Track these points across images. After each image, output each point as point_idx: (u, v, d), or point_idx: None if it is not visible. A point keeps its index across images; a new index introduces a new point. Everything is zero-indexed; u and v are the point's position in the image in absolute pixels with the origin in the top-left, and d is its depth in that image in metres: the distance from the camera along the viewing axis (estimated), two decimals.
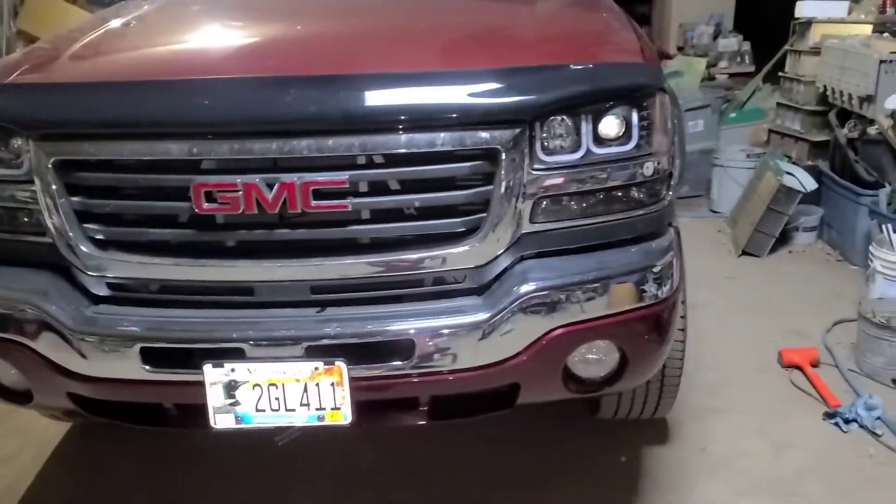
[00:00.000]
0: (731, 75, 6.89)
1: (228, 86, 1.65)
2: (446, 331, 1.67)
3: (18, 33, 5.36)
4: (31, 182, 1.68)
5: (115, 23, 2.13)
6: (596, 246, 1.78)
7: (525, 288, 1.69)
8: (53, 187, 1.66)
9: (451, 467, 2.42)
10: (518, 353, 1.71)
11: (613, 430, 2.55)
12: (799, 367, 2.96)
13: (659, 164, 1.76)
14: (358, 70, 1.66)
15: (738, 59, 7.29)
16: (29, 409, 2.38)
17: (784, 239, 4.34)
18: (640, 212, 1.78)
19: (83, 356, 1.69)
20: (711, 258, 4.34)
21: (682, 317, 2.14)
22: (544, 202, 1.70)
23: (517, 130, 1.63)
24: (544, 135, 1.66)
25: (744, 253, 4.30)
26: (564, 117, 1.66)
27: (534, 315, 1.70)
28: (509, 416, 2.53)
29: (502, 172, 1.64)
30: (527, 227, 1.70)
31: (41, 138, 1.64)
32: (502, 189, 1.65)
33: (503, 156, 1.63)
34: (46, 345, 1.71)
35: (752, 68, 6.88)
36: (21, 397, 1.88)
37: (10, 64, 1.93)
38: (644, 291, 1.76)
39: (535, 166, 1.66)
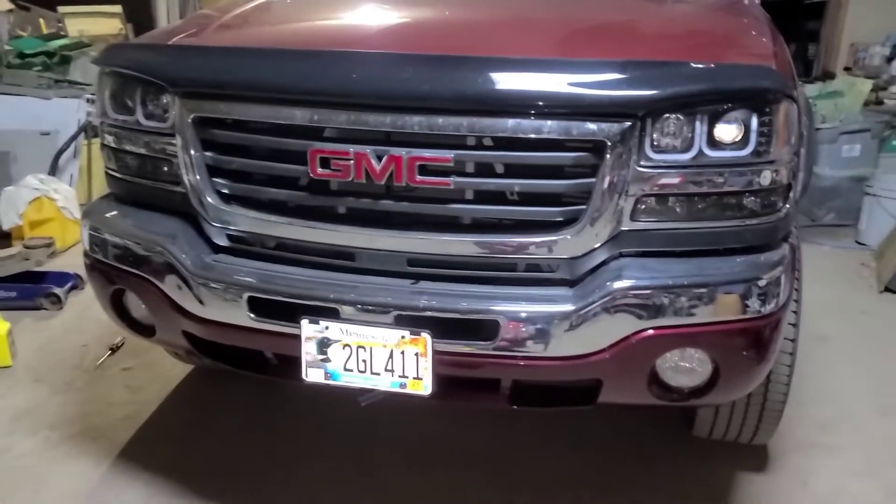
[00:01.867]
0: None
1: (350, 59, 1.74)
2: (532, 317, 1.68)
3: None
4: (173, 136, 1.86)
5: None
6: (700, 251, 1.72)
7: (618, 285, 1.67)
8: (191, 142, 1.83)
9: (533, 461, 2.42)
10: (603, 350, 1.69)
11: (709, 451, 2.45)
12: None
13: (777, 174, 1.68)
14: (471, 52, 1.70)
15: None
16: (157, 347, 2.65)
17: None
18: (751, 221, 1.71)
19: (199, 299, 1.85)
20: (849, 290, 4.04)
21: (791, 340, 2.03)
22: (648, 201, 1.67)
23: (626, 125, 1.61)
24: (655, 132, 1.63)
25: (886, 290, 3.97)
26: (678, 115, 1.62)
27: (624, 313, 1.67)
28: (601, 421, 2.54)
29: (607, 166, 1.63)
30: (627, 225, 1.68)
31: (184, 96, 1.81)
32: (605, 183, 1.64)
33: (609, 149, 1.61)
34: (170, 284, 1.88)
35: None
36: (146, 330, 2.08)
37: (171, 30, 2.14)
38: (745, 304, 1.69)
39: (643, 163, 1.64)
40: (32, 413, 2.63)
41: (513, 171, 1.69)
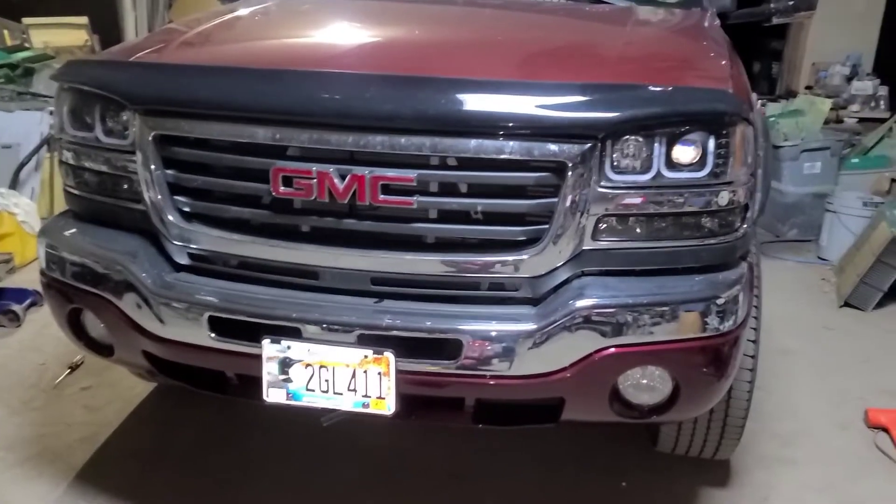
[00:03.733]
0: (862, 120, 6.51)
1: (313, 78, 1.74)
2: (496, 336, 1.68)
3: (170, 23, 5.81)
4: (134, 153, 1.83)
5: (228, 16, 2.30)
6: (659, 270, 1.75)
7: (580, 303, 1.69)
8: (151, 160, 1.81)
9: (500, 479, 2.42)
10: (565, 368, 1.70)
11: (674, 466, 2.47)
12: (885, 430, 2.76)
13: (734, 194, 1.71)
14: (434, 73, 1.71)
15: (872, 104, 6.88)
16: (117, 365, 2.60)
17: (893, 295, 4.05)
18: (710, 241, 1.74)
19: (159, 318, 1.82)
20: (810, 306, 4.11)
21: (751, 356, 2.06)
22: (609, 220, 1.69)
23: (587, 146, 1.63)
24: (615, 153, 1.66)
25: (846, 304, 4.05)
26: (638, 137, 1.65)
27: (586, 331, 1.69)
28: (567, 436, 2.54)
29: (568, 186, 1.64)
30: (589, 244, 1.70)
31: (145, 113, 1.79)
32: (567, 203, 1.66)
33: (570, 170, 1.63)
34: (129, 303, 1.85)
35: (886, 114, 6.47)
36: (104, 349, 2.04)
37: (132, 46, 2.12)
38: (705, 322, 1.72)
39: (603, 184, 1.66)
40: None
41: (476, 190, 1.70)
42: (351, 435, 2.43)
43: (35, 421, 2.66)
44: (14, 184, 4.59)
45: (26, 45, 6.35)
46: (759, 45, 8.46)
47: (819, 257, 4.89)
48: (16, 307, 3.45)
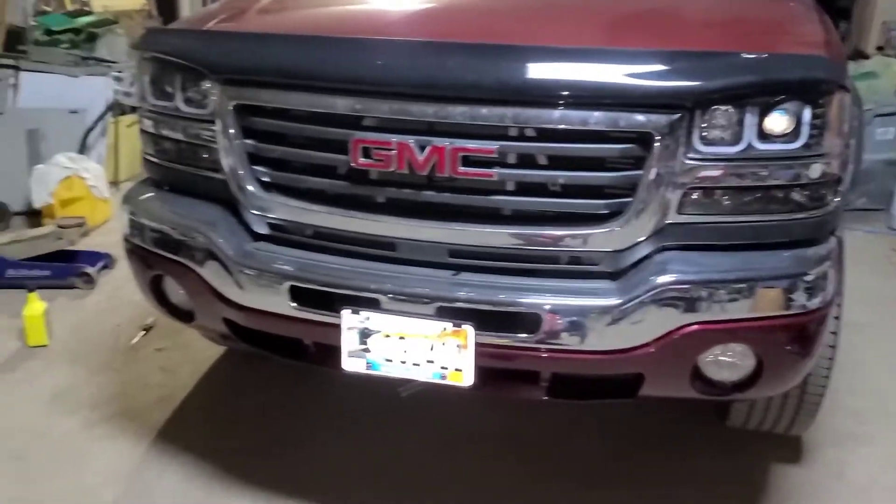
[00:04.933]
0: None
1: (394, 47, 1.72)
2: (576, 310, 1.67)
3: None
4: (213, 122, 1.85)
5: None
6: (746, 245, 1.70)
7: (662, 279, 1.66)
8: (231, 129, 1.82)
9: (566, 450, 2.42)
10: (646, 344, 1.68)
11: (743, 441, 2.44)
12: None
13: (828, 166, 1.65)
14: (518, 41, 1.67)
15: None
16: (189, 329, 2.66)
17: None
18: (800, 215, 1.68)
19: (239, 286, 1.86)
20: (880, 277, 3.98)
21: (832, 332, 2.00)
22: (695, 194, 1.65)
23: (675, 116, 1.58)
24: (704, 124, 1.60)
25: None
26: (728, 107, 1.59)
27: (668, 308, 1.66)
28: (631, 409, 2.53)
29: (654, 158, 1.60)
30: (673, 218, 1.66)
31: (226, 83, 1.80)
32: (652, 175, 1.62)
33: (657, 141, 1.59)
34: (210, 271, 1.89)
35: None
36: (185, 316, 2.09)
37: (208, 13, 2.12)
38: (791, 299, 1.67)
39: (690, 156, 1.61)
40: (71, 393, 2.67)
41: (558, 162, 1.67)
42: (422, 405, 2.46)
43: (115, 381, 2.76)
44: (82, 149, 4.70)
45: (87, 9, 6.43)
46: (824, 3, 8.10)
47: (890, 227, 4.72)
48: (90, 269, 3.56)
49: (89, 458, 2.32)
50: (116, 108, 5.02)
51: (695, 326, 1.67)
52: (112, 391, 2.69)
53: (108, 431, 2.45)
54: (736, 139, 1.61)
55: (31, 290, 3.03)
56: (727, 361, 1.73)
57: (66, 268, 3.56)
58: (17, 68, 4.84)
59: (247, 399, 2.65)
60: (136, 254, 2.07)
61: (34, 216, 4.43)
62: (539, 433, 2.48)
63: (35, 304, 3.00)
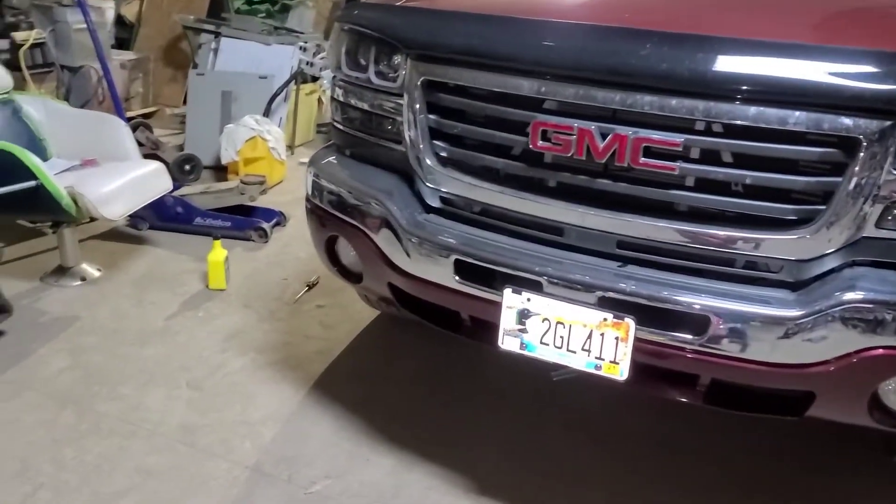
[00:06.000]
0: None
1: (585, 32, 1.70)
2: (749, 318, 1.59)
3: None
4: (401, 96, 1.92)
5: None
6: None
7: (850, 295, 1.54)
8: (417, 104, 1.89)
9: (709, 459, 2.33)
10: (823, 363, 1.58)
11: None
12: None
13: None
14: (716, 32, 1.60)
15: None
16: (348, 289, 2.81)
17: None
18: None
19: (407, 254, 1.93)
20: None
21: None
22: None
23: (888, 123, 1.46)
24: None
25: None
26: None
27: (852, 327, 1.54)
28: (788, 428, 2.38)
29: (857, 166, 1.49)
30: (870, 231, 1.54)
31: (417, 58, 1.87)
32: (851, 184, 1.50)
33: (863, 148, 1.47)
34: (382, 237, 1.98)
35: None
36: (353, 277, 2.21)
37: None
38: None
39: None
40: (242, 335, 2.91)
41: (747, 161, 1.59)
42: (568, 393, 2.46)
43: (279, 329, 2.97)
44: (267, 112, 5.04)
45: None
46: None
47: None
48: (265, 225, 3.84)
49: (254, 396, 2.52)
50: (299, 77, 5.35)
51: (880, 351, 1.54)
52: (277, 339, 2.89)
53: (271, 375, 2.65)
54: None
55: (216, 238, 3.31)
56: None
57: (245, 221, 3.86)
58: (218, 34, 5.28)
59: (397, 364, 2.76)
60: (316, 214, 2.20)
61: (220, 171, 4.84)
62: (683, 437, 2.40)
63: (218, 252, 3.28)
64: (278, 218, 4.03)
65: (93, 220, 3.44)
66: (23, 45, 4.83)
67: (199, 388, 2.56)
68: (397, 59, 1.92)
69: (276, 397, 2.52)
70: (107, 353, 2.74)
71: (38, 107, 3.56)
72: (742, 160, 1.60)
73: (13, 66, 4.53)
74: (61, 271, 3.29)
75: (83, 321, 2.97)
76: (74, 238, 3.32)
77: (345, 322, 3.05)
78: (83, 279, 3.30)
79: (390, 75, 1.95)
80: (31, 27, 5.00)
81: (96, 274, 3.36)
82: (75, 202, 2.98)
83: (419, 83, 1.87)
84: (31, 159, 2.92)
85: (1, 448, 2.22)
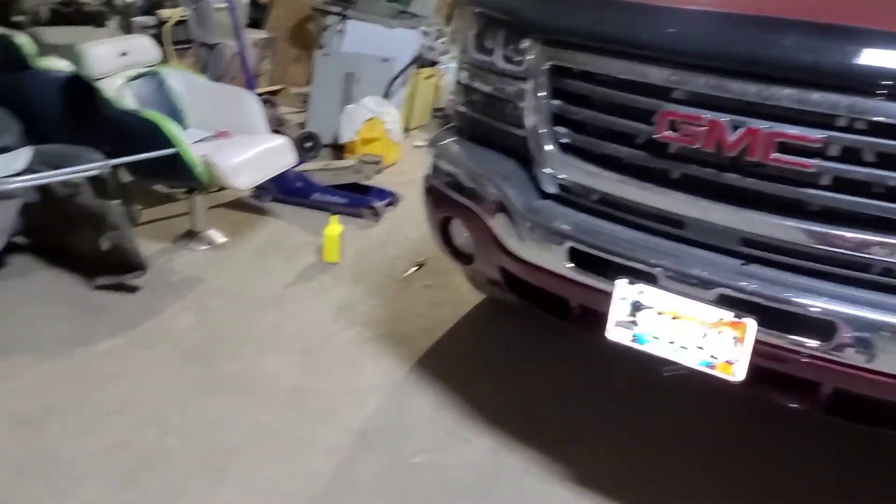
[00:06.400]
0: None
1: (721, 20, 1.65)
2: (884, 327, 1.51)
3: None
4: (525, 80, 1.93)
5: None
6: None
7: None
8: (541, 89, 1.89)
9: (801, 472, 2.22)
10: None
11: None
12: None
13: None
14: (863, 24, 1.51)
15: None
16: (455, 271, 2.85)
17: None
18: None
19: (521, 239, 1.94)
20: None
21: None
22: None
23: None
24: None
25: None
26: None
27: None
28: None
29: None
30: None
31: (545, 42, 1.86)
32: None
33: None
34: (498, 221, 2.00)
35: None
36: (465, 258, 2.25)
37: None
38: None
39: None
40: (351, 308, 3.02)
41: (891, 161, 1.49)
42: (671, 393, 2.40)
43: (387, 305, 3.05)
44: (386, 94, 5.16)
45: None
46: None
47: None
48: (378, 204, 3.94)
49: (361, 367, 2.61)
50: (419, 61, 5.43)
51: None
52: (384, 314, 2.98)
53: (378, 349, 2.73)
54: None
55: (333, 214, 3.43)
56: None
57: (359, 199, 3.98)
58: (345, 16, 5.43)
59: (499, 348, 2.79)
60: (433, 194, 2.24)
61: (337, 150, 4.99)
62: (796, 460, 2.30)
63: (334, 226, 3.41)
64: (391, 198, 4.12)
65: (221, 188, 3.64)
66: (167, 21, 5.15)
67: (310, 355, 2.68)
68: (525, 43, 1.92)
69: (381, 369, 2.60)
70: (229, 315, 2.91)
71: (180, 80, 3.79)
72: (885, 160, 1.50)
73: (158, 41, 4.84)
74: (191, 235, 3.52)
75: (208, 283, 3.16)
76: (204, 205, 3.54)
77: (450, 304, 3.09)
78: (210, 244, 3.52)
79: (516, 59, 1.96)
80: (174, 5, 5.32)
81: (222, 240, 3.56)
82: (208, 171, 3.17)
83: (545, 68, 1.86)
84: (172, 129, 3.13)
85: (136, 394, 2.42)
